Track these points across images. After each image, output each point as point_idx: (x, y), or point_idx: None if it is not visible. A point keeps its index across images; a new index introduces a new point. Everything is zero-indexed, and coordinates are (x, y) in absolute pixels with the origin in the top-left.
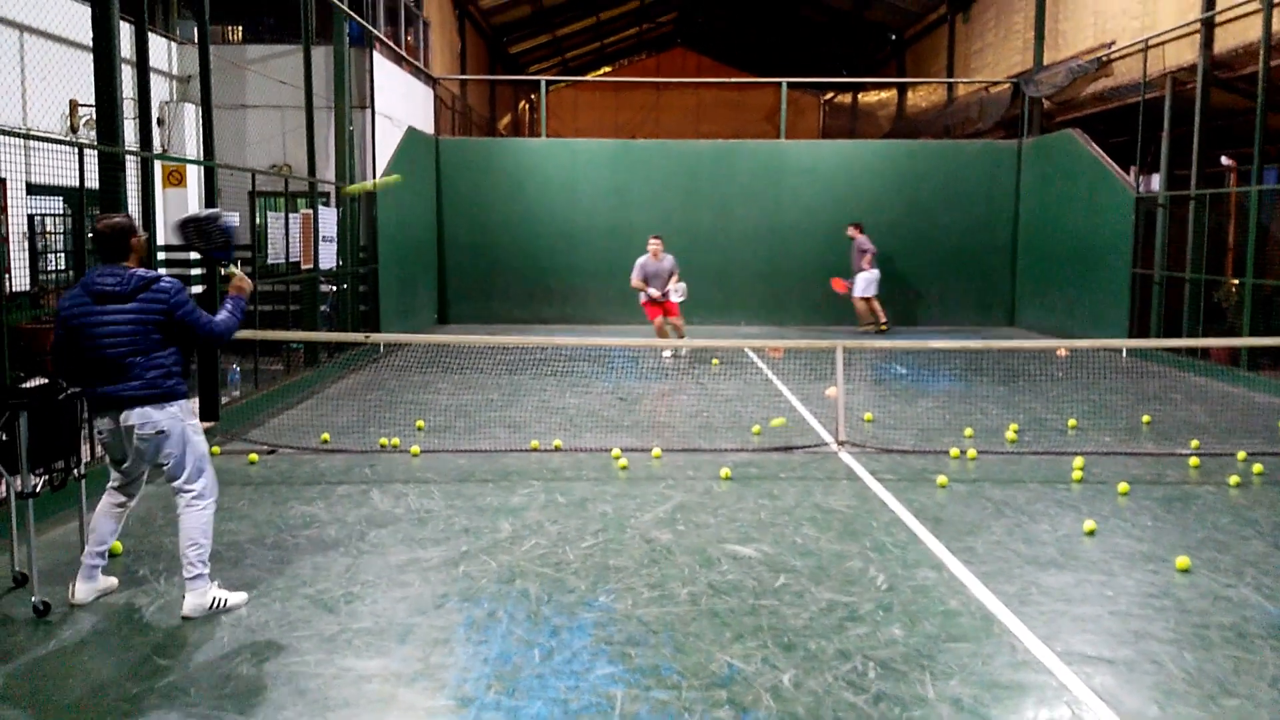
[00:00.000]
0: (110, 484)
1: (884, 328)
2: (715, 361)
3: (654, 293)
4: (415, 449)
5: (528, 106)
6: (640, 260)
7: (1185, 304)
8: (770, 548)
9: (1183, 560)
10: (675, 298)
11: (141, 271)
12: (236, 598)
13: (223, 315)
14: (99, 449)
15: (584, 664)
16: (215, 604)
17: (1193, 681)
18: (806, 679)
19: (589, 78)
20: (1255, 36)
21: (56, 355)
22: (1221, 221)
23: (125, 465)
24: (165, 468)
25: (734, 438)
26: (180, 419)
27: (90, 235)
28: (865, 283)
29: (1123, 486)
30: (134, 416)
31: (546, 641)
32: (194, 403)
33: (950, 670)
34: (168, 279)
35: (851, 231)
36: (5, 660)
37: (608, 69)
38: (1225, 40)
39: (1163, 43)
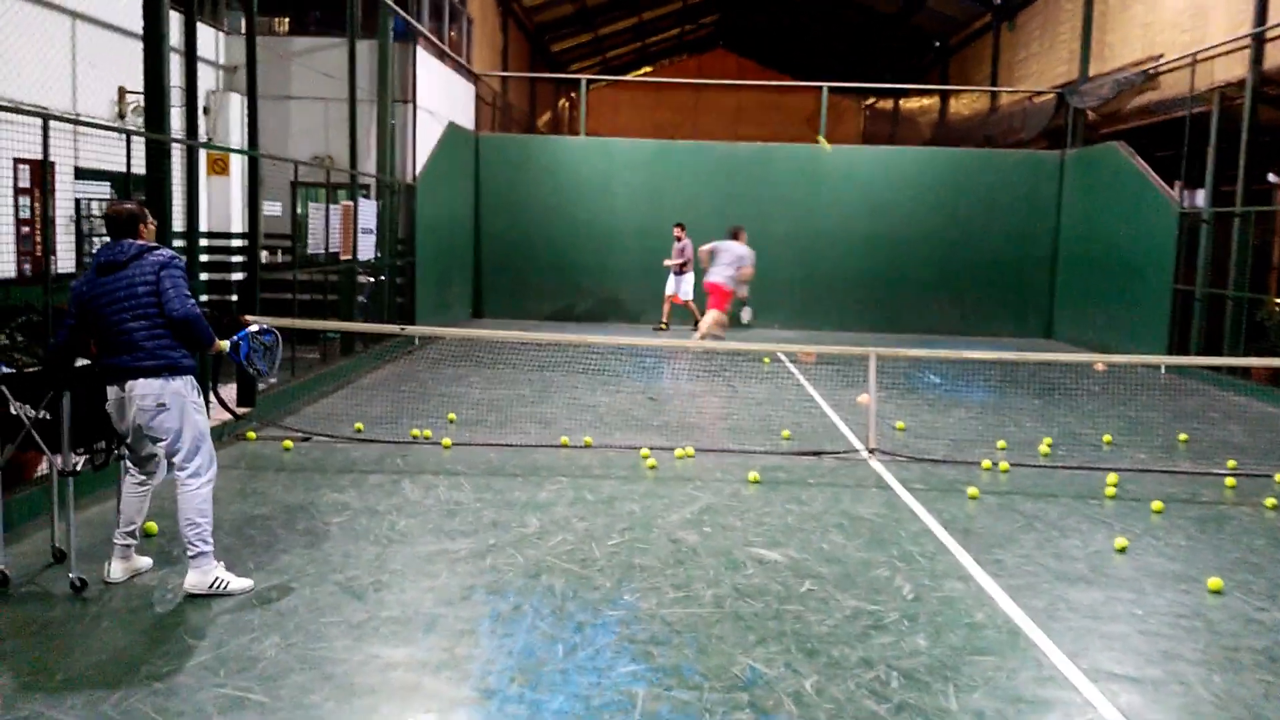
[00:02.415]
0: (126, 465)
1: (663, 327)
2: (766, 360)
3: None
4: (446, 441)
5: (567, 104)
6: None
7: (1227, 322)
8: (796, 553)
9: (1215, 581)
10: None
11: (135, 246)
12: (241, 583)
13: (201, 316)
14: None
15: (607, 661)
16: (216, 584)
17: (1221, 704)
18: (829, 686)
19: (629, 77)
20: None
21: (58, 340)
22: (1266, 239)
23: (129, 439)
24: (161, 443)
25: (763, 441)
26: (182, 394)
27: (102, 220)
28: (681, 283)
29: (1156, 504)
30: (137, 387)
31: (570, 637)
32: (228, 390)
33: (974, 683)
34: (164, 250)
35: (677, 232)
36: (41, 633)
37: (648, 69)
38: (1275, 56)
39: (1211, 57)
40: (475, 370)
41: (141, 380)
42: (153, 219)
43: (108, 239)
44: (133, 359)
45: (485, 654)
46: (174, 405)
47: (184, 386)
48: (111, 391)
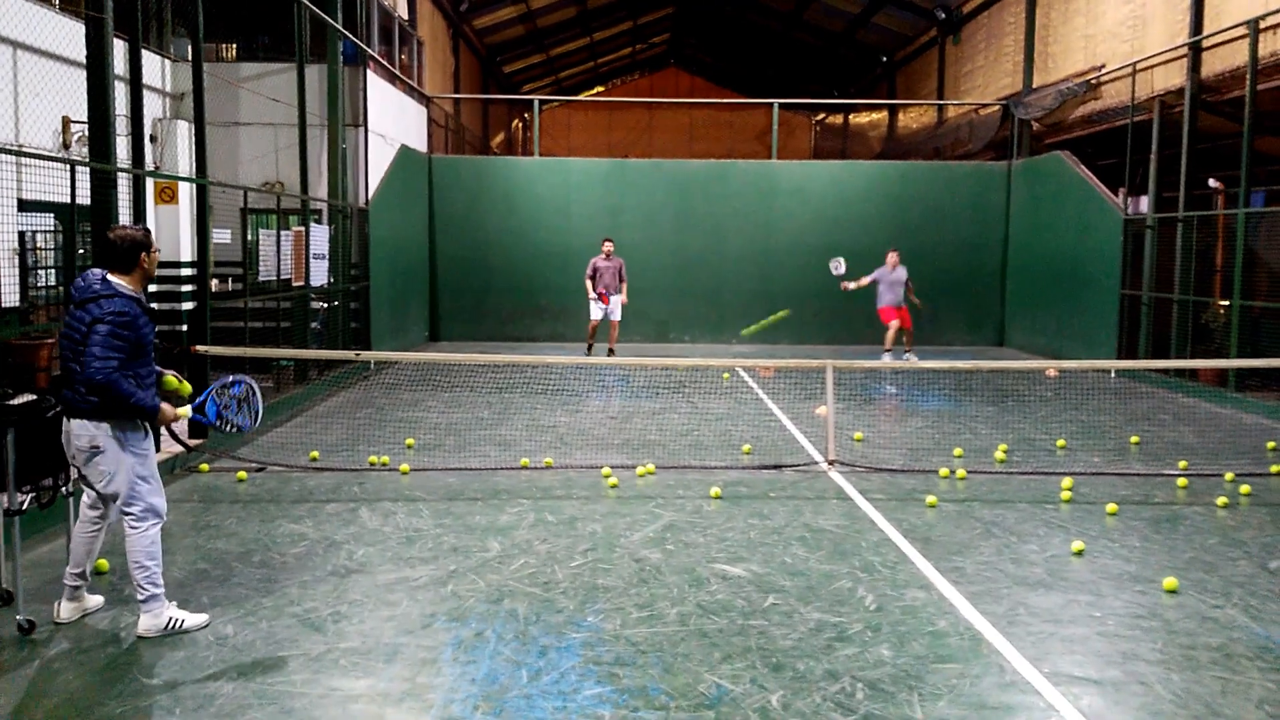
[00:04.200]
0: (84, 499)
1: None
2: (726, 375)
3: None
4: (404, 467)
5: (521, 125)
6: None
7: (1173, 325)
8: (759, 567)
9: (1170, 581)
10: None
11: (101, 285)
12: (196, 620)
13: (124, 382)
14: None
15: (572, 684)
16: (171, 624)
17: (1180, 703)
18: (795, 700)
19: (582, 97)
20: (1242, 61)
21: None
22: (1209, 243)
23: (82, 475)
24: (99, 486)
25: (724, 456)
26: (119, 440)
27: (102, 240)
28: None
29: (1111, 507)
30: (74, 426)
31: (534, 662)
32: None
33: (939, 691)
34: (118, 302)
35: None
36: None
37: (601, 89)
38: (1213, 64)
39: (1151, 66)
40: (433, 394)
41: (76, 421)
42: (157, 246)
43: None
44: (72, 395)
45: (448, 682)
46: (108, 448)
47: (119, 429)
48: (65, 424)
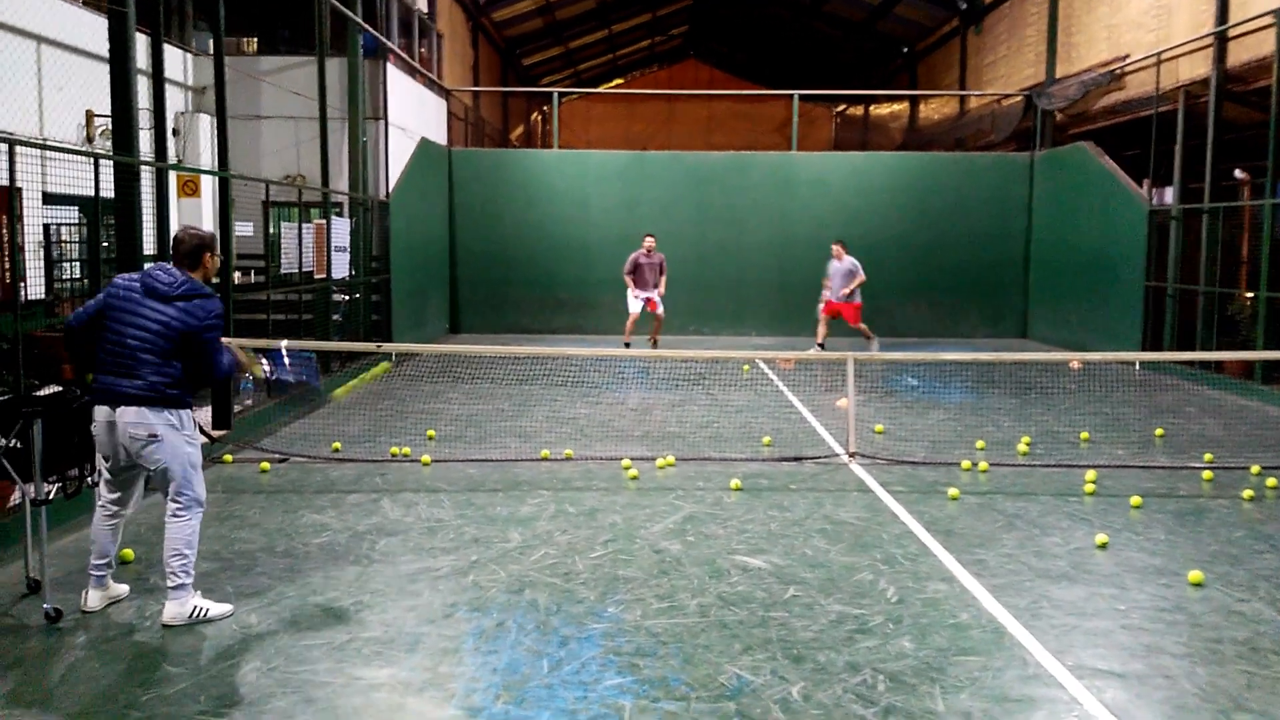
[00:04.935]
0: (99, 498)
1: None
2: (746, 367)
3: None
4: (426, 458)
5: (540, 118)
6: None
7: (1199, 317)
8: (780, 559)
9: (1196, 574)
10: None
11: (187, 281)
12: (220, 609)
13: (227, 358)
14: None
15: (592, 675)
16: (196, 613)
17: (1205, 696)
18: (816, 691)
19: (601, 90)
20: (1268, 50)
21: (76, 319)
22: (1235, 234)
23: (110, 464)
24: (152, 472)
25: (744, 448)
26: (176, 427)
27: (171, 241)
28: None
29: (1135, 500)
30: (129, 414)
31: (555, 652)
32: (203, 413)
33: (960, 683)
34: (216, 300)
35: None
36: (17, 665)
37: (619, 81)
38: (1238, 54)
39: (1176, 56)
40: (453, 386)
41: (134, 409)
42: (220, 252)
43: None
44: (130, 385)
45: (469, 672)
46: (166, 437)
47: (177, 420)
48: (101, 412)
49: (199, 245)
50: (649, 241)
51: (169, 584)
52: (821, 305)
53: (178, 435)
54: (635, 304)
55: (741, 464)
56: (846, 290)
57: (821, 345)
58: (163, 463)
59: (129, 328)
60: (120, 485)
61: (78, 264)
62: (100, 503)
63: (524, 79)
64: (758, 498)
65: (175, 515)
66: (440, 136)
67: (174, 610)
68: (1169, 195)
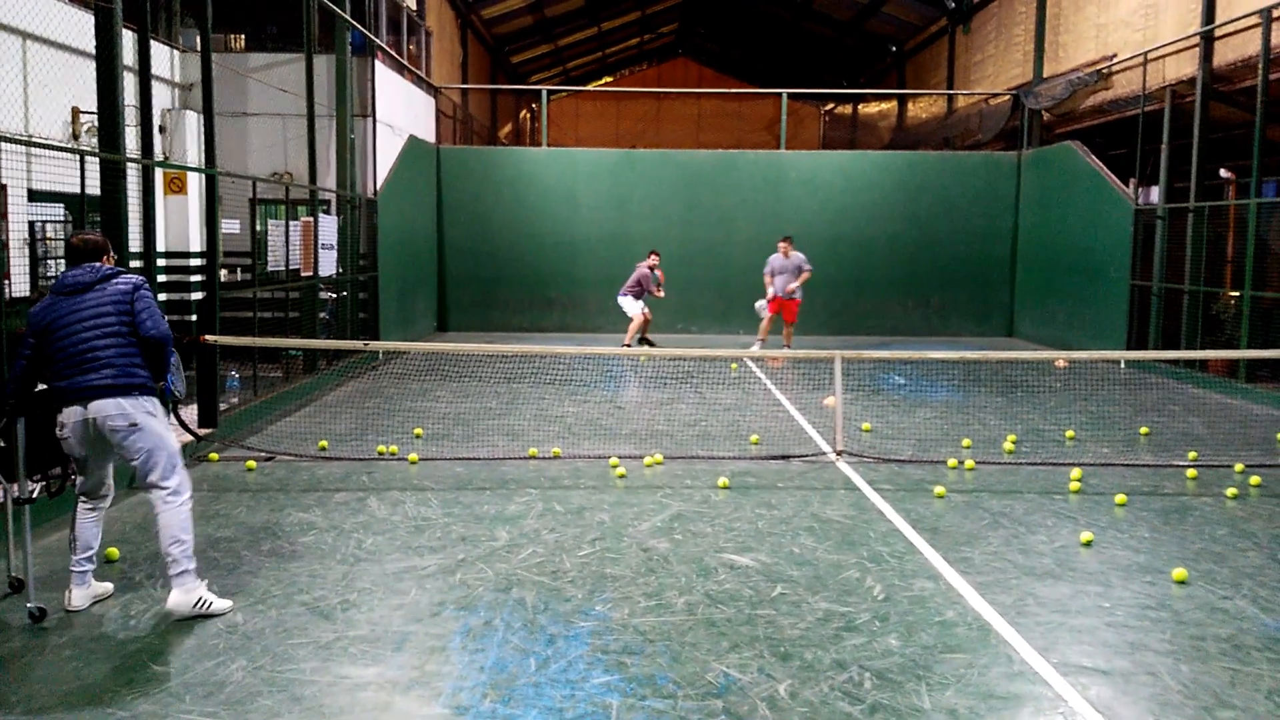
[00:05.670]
0: (78, 494)
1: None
2: (734, 365)
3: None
4: (413, 456)
5: (529, 116)
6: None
7: (1184, 316)
8: (767, 557)
9: (1180, 572)
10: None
11: (108, 266)
12: (222, 604)
13: (164, 323)
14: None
15: (580, 673)
16: (200, 604)
17: (1189, 693)
18: (802, 689)
19: (590, 87)
20: (1254, 50)
21: (20, 378)
22: (1220, 234)
23: (87, 464)
24: (135, 463)
25: (732, 446)
26: (153, 414)
27: (65, 247)
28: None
29: (1120, 498)
30: (108, 407)
31: (542, 650)
32: (189, 411)
33: (946, 681)
34: (137, 275)
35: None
36: (0, 666)
37: (609, 79)
38: (1225, 54)
39: (1162, 56)
40: (441, 384)
41: (112, 400)
42: (113, 251)
43: (66, 265)
44: (100, 378)
45: (457, 670)
46: (145, 424)
47: (153, 405)
48: (72, 413)
49: (97, 248)
50: (653, 259)
51: (171, 571)
52: (768, 302)
53: (156, 422)
54: (634, 309)
55: (729, 462)
56: (793, 286)
57: (763, 342)
58: (144, 450)
59: (76, 325)
60: (94, 484)
61: (63, 262)
62: (78, 500)
63: (513, 76)
64: (745, 496)
65: (166, 501)
66: (429, 134)
67: (179, 598)
68: (1155, 194)
